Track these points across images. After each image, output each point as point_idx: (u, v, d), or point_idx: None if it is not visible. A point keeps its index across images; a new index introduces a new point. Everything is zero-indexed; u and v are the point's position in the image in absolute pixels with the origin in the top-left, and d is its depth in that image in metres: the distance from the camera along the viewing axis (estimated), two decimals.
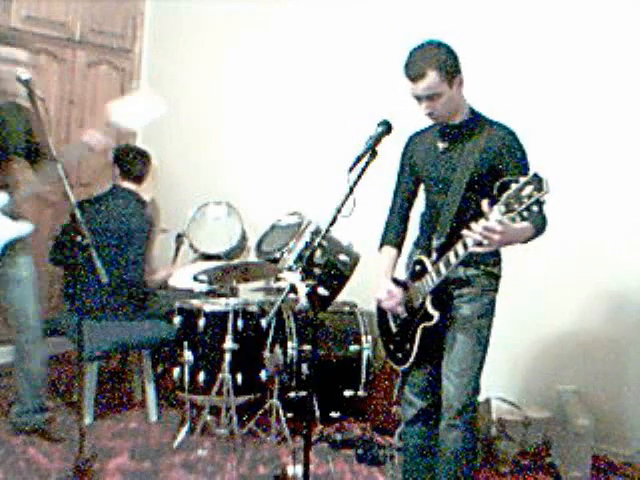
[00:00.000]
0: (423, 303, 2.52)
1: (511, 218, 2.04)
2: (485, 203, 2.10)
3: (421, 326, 2.52)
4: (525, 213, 2.02)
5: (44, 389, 3.47)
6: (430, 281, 2.47)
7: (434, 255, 2.50)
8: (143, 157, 3.89)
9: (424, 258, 2.54)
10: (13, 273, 3.29)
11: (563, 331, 3.62)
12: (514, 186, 2.02)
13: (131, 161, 3.83)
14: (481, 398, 3.30)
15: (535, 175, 2.00)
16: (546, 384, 3.65)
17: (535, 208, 2.00)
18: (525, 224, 2.17)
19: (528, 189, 1.99)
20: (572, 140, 3.56)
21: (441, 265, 2.41)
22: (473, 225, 2.15)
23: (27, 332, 3.35)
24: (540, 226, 2.32)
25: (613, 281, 3.47)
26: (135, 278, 3.76)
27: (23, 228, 3.25)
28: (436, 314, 2.48)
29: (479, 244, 2.17)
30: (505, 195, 2.04)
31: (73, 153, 3.17)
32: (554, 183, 3.42)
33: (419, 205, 2.71)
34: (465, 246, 2.28)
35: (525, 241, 2.32)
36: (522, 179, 2.01)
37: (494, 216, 2.07)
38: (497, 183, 2.09)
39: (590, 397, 3.49)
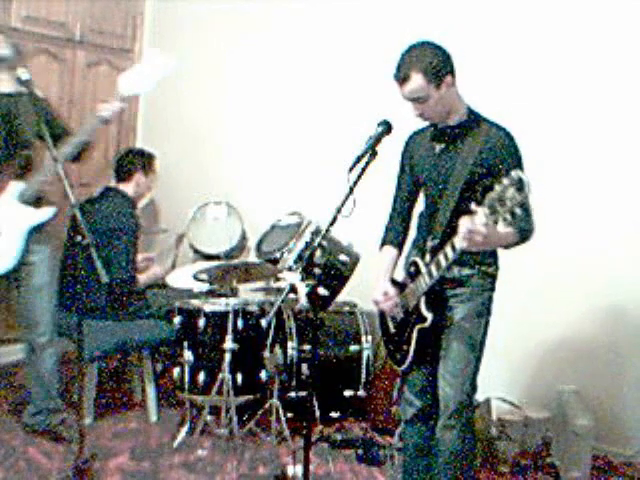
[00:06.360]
0: (417, 305, 2.52)
1: (495, 221, 2.02)
2: (474, 205, 2.09)
3: (417, 327, 2.52)
4: (508, 216, 1.99)
5: (57, 390, 3.47)
6: (423, 283, 2.47)
7: (427, 256, 2.50)
8: (130, 155, 3.97)
9: (418, 260, 2.54)
10: (33, 273, 3.28)
11: (563, 331, 3.62)
12: (497, 188, 1.99)
13: (119, 162, 3.93)
14: (481, 398, 3.32)
15: (517, 177, 1.96)
16: (546, 384, 3.65)
17: (518, 211, 1.97)
18: (509, 230, 2.16)
19: (511, 191, 1.96)
20: (572, 143, 3.56)
21: (432, 267, 2.41)
22: (460, 227, 2.15)
23: (39, 331, 3.34)
24: (525, 233, 2.31)
25: (613, 282, 3.47)
26: (118, 277, 3.66)
27: (43, 214, 3.26)
28: (429, 316, 2.48)
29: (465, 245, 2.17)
30: (489, 197, 2.01)
31: (89, 128, 3.19)
32: (555, 187, 3.45)
33: (420, 205, 2.71)
34: (453, 248, 2.27)
35: (507, 246, 2.33)
36: (505, 181, 1.98)
37: (479, 218, 2.06)
38: (481, 185, 2.08)
39: (590, 397, 3.49)
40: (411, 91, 2.37)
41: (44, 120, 3.06)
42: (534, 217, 2.34)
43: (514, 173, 1.96)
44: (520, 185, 1.94)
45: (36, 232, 3.25)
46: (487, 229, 2.06)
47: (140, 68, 3.19)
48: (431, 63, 2.34)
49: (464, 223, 2.12)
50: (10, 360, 4.49)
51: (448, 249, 2.31)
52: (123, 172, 3.89)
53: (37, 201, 3.24)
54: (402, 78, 2.37)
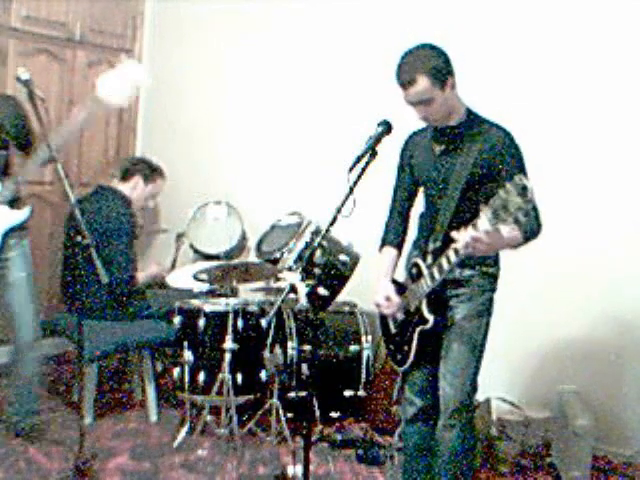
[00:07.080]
0: (419, 307, 2.52)
1: (497, 226, 2.01)
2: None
3: (418, 329, 2.52)
4: (511, 221, 1.98)
5: (39, 391, 3.45)
6: (425, 285, 2.47)
7: (429, 258, 2.50)
8: (138, 159, 4.08)
9: (419, 261, 2.53)
10: (9, 269, 3.27)
11: (563, 332, 3.61)
12: (501, 194, 1.97)
13: (124, 162, 4.02)
14: (481, 398, 3.32)
15: (521, 184, 1.94)
16: (546, 384, 3.65)
17: (521, 217, 1.96)
18: (514, 231, 2.16)
19: (514, 197, 1.94)
20: (572, 143, 3.55)
21: (435, 270, 2.41)
22: (462, 232, 2.15)
23: (23, 331, 3.34)
24: (531, 232, 2.30)
25: (613, 283, 3.46)
26: (118, 278, 3.63)
27: (19, 215, 3.24)
28: (431, 318, 2.48)
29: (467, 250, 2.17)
30: (491, 203, 2.00)
31: (66, 133, 3.15)
32: (555, 187, 3.45)
33: (420, 204, 2.71)
34: (456, 252, 2.27)
35: (516, 246, 2.32)
36: (509, 187, 1.96)
37: (482, 224, 2.05)
38: (483, 191, 2.07)
39: (590, 397, 3.49)
40: (417, 94, 2.36)
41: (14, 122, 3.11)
42: (540, 215, 2.34)
43: (517, 179, 1.95)
44: (523, 191, 1.94)
45: (13, 231, 3.22)
46: (490, 236, 2.06)
47: (116, 75, 3.11)
48: (435, 65, 2.34)
49: (467, 230, 2.11)
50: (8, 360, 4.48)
51: (451, 253, 2.30)
52: (124, 171, 3.93)
53: (15, 201, 3.20)
54: (407, 81, 2.35)
